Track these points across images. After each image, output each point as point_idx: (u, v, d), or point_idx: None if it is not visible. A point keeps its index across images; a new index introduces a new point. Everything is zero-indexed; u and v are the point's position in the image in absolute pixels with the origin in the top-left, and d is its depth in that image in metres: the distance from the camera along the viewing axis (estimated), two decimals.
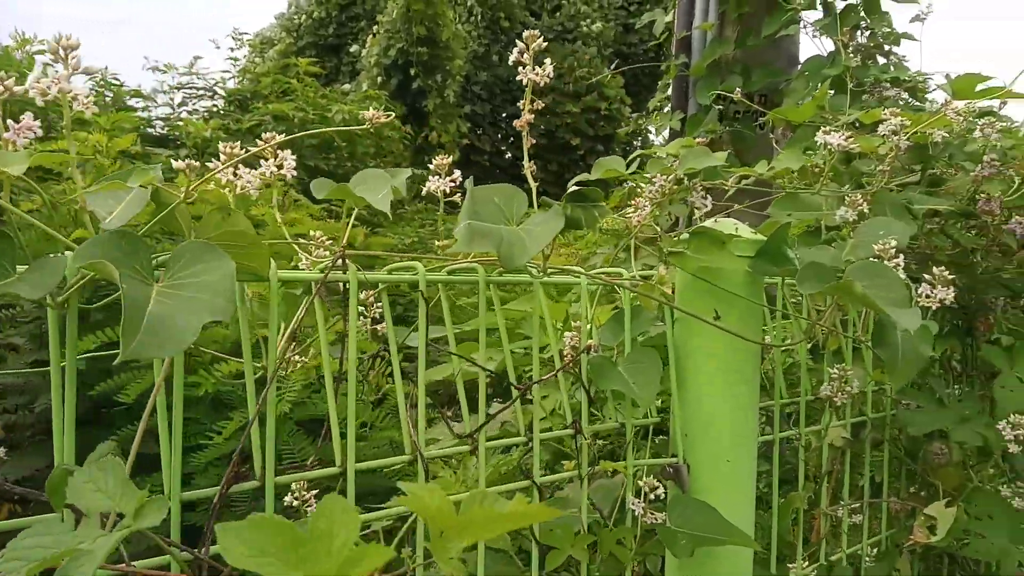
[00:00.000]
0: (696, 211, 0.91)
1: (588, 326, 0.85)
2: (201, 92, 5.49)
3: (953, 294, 0.88)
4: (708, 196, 0.91)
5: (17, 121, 0.50)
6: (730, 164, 1.01)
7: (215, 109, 5.58)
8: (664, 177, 0.86)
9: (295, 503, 0.76)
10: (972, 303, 1.22)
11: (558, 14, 13.40)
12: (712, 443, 0.88)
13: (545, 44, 0.74)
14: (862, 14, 2.28)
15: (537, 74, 0.72)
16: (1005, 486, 1.09)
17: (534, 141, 0.74)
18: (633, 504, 0.80)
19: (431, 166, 0.76)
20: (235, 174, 0.68)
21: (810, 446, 1.08)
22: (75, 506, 0.43)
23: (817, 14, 2.32)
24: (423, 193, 0.72)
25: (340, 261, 0.62)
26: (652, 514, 0.80)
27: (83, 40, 0.52)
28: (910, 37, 2.25)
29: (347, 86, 10.65)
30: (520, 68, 0.72)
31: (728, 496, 0.87)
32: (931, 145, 1.20)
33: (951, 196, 1.18)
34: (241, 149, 0.63)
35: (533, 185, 0.74)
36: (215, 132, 4.47)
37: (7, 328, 1.88)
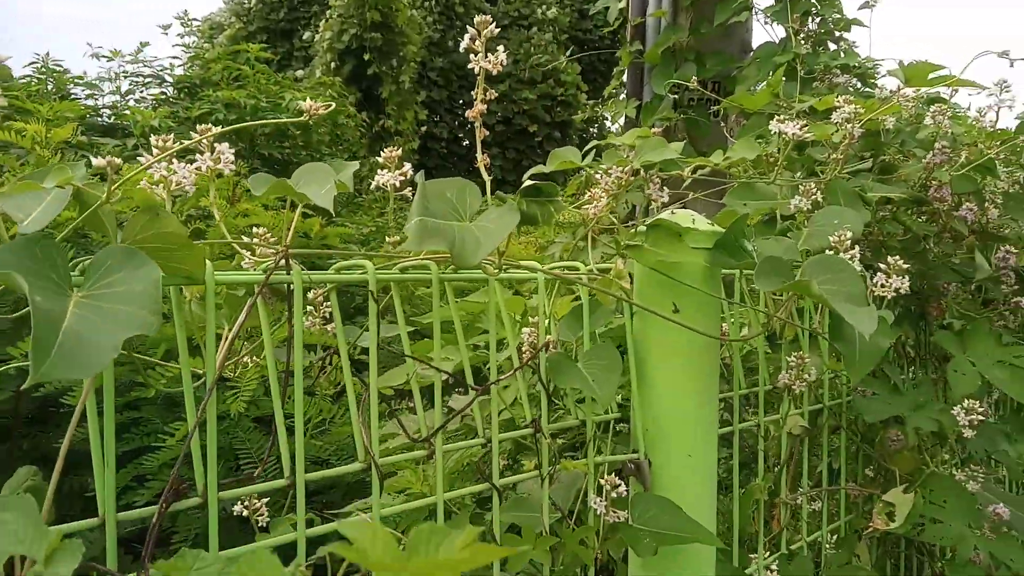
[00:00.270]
0: (654, 203, 0.90)
1: (546, 322, 0.83)
2: (148, 79, 5.32)
3: (907, 283, 0.89)
4: (665, 189, 0.89)
5: None
6: (686, 154, 0.99)
7: (163, 96, 5.41)
8: (620, 169, 0.84)
9: (244, 512, 0.73)
10: (924, 289, 1.23)
11: (513, 0, 13.31)
12: (673, 438, 0.87)
13: (498, 30, 0.71)
14: (813, 1, 2.30)
15: (490, 62, 0.70)
16: (958, 470, 1.11)
17: (487, 133, 0.72)
18: (595, 503, 0.79)
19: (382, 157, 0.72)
20: (169, 169, 0.64)
21: (769, 435, 1.08)
22: None
23: (768, 1, 2.34)
24: (372, 187, 0.69)
25: (283, 262, 0.59)
26: (615, 512, 0.79)
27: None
28: (860, 23, 2.27)
29: (300, 72, 10.45)
30: (472, 56, 0.70)
31: (690, 491, 0.87)
32: (883, 132, 1.21)
33: (903, 183, 1.19)
34: (185, 139, 0.59)
35: (487, 178, 0.72)
36: (163, 120, 4.33)
37: None
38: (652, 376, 0.88)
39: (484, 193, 0.70)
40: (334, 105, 0.61)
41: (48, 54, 4.47)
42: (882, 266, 0.90)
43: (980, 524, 1.04)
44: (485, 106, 0.70)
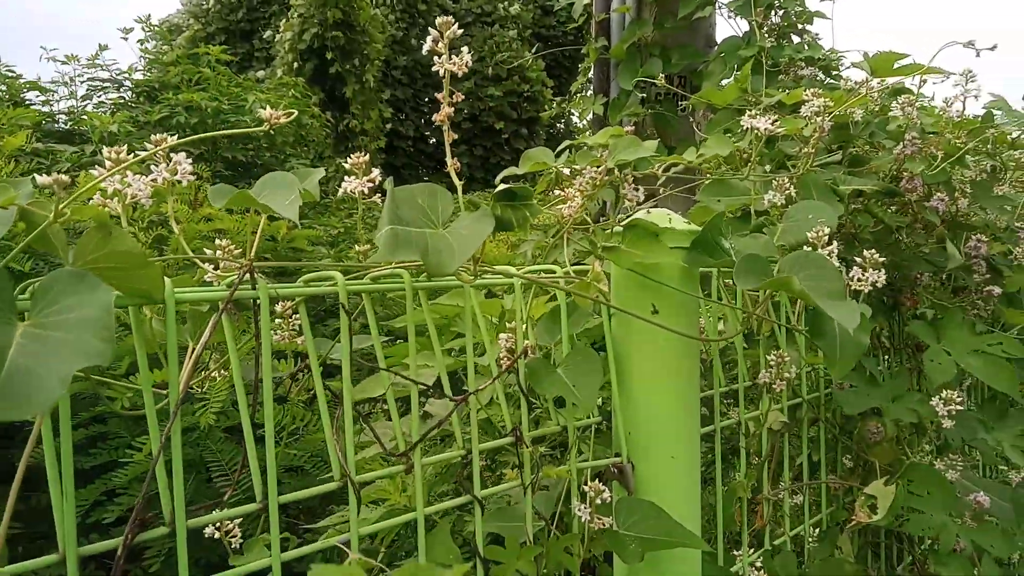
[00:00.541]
0: (628, 202, 0.88)
1: (523, 326, 0.81)
2: (106, 84, 5.19)
3: (884, 277, 0.88)
4: (639, 188, 0.88)
5: None
6: (658, 152, 0.98)
7: (122, 101, 5.28)
8: (594, 169, 0.83)
9: (216, 535, 0.71)
10: (897, 279, 1.24)
11: None
12: (656, 440, 0.86)
13: (460, 31, 0.69)
14: None
15: (455, 64, 0.67)
16: (937, 459, 1.11)
17: (455, 136, 0.69)
18: (579, 510, 0.77)
19: (347, 160, 0.70)
20: (123, 182, 0.61)
21: (749, 432, 1.07)
22: None
23: None
24: (340, 194, 0.67)
25: (248, 276, 0.56)
26: (599, 519, 0.77)
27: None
28: (822, 16, 2.28)
29: (261, 73, 10.30)
30: (436, 58, 0.67)
31: (674, 493, 0.85)
32: (851, 125, 1.21)
33: (874, 175, 1.19)
34: (147, 143, 0.56)
35: (459, 183, 0.69)
36: (122, 125, 4.23)
37: None
38: (632, 378, 0.86)
39: (456, 196, 0.68)
40: (296, 113, 0.58)
41: None
42: (858, 260, 0.90)
43: (960, 513, 1.05)
44: (452, 109, 0.68)
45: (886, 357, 1.36)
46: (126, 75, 5.35)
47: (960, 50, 1.19)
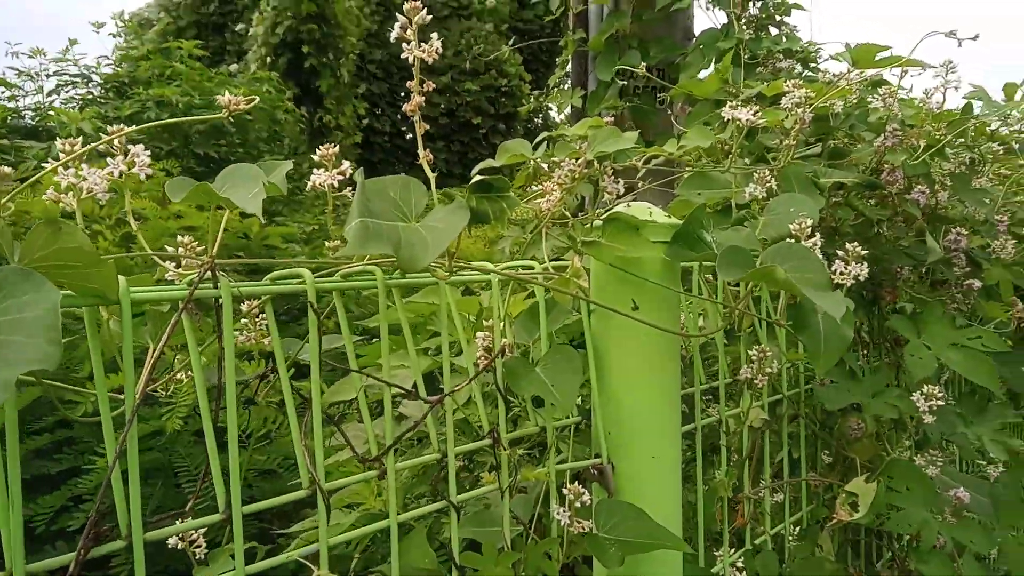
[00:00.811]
0: (607, 195, 0.86)
1: (501, 324, 0.78)
2: (75, 79, 5.08)
3: (867, 270, 0.87)
4: (619, 181, 0.86)
5: None
6: (639, 144, 0.96)
7: (91, 96, 5.17)
8: (573, 161, 0.80)
9: (180, 546, 0.67)
10: (877, 273, 1.23)
11: None
12: (637, 440, 0.84)
13: (430, 17, 0.66)
14: None
15: (424, 51, 0.64)
16: (917, 455, 1.11)
17: (428, 127, 0.66)
18: (558, 513, 0.75)
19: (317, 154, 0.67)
20: (78, 175, 0.58)
21: (730, 430, 1.06)
22: None
23: None
24: (307, 189, 0.64)
25: (209, 273, 0.53)
26: (579, 522, 0.75)
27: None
28: (800, 7, 2.28)
29: (234, 67, 10.15)
30: (405, 45, 0.64)
31: (655, 494, 0.84)
32: (832, 117, 1.20)
33: (854, 167, 1.18)
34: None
35: (431, 175, 0.67)
36: (92, 121, 4.13)
37: None
38: (613, 376, 0.84)
39: (429, 189, 0.65)
40: (257, 99, 0.55)
41: None
42: (840, 253, 0.88)
43: (941, 509, 1.04)
44: (423, 98, 0.65)
45: (865, 352, 1.35)
46: (94, 70, 5.24)
47: (943, 39, 1.18)
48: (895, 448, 1.15)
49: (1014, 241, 1.23)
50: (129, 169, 0.56)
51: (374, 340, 1.17)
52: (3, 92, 4.51)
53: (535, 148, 0.92)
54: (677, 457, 0.88)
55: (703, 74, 2.30)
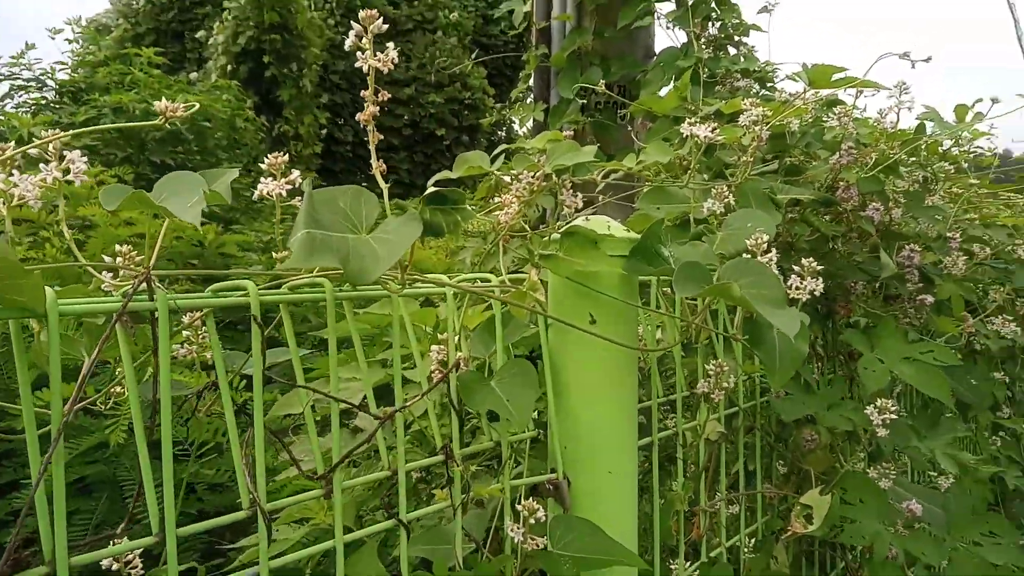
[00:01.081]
0: (566, 209, 0.85)
1: (456, 338, 0.77)
2: (28, 83, 4.95)
3: (822, 285, 0.88)
4: (578, 194, 0.85)
5: None
6: (598, 158, 0.96)
7: (44, 101, 5.04)
8: (531, 174, 0.79)
9: (115, 567, 0.64)
10: (832, 288, 1.24)
11: (416, 3, 13.16)
12: (593, 454, 0.83)
13: (385, 27, 0.65)
14: (713, 6, 2.33)
15: (380, 60, 0.63)
16: (870, 467, 1.12)
17: (381, 137, 0.65)
18: (512, 530, 0.73)
19: (265, 164, 0.65)
20: (7, 182, 0.55)
21: (687, 442, 1.05)
22: None
23: (670, 6, 2.35)
24: (255, 198, 0.62)
25: (145, 285, 0.51)
26: (533, 539, 0.74)
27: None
28: (758, 28, 2.32)
29: (194, 75, 10.00)
30: (359, 54, 0.63)
31: (611, 509, 0.83)
32: (788, 135, 1.21)
33: (810, 184, 1.19)
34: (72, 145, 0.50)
35: (384, 186, 0.65)
36: (43, 127, 4.02)
37: None
38: (570, 390, 0.83)
39: (382, 202, 0.64)
40: (197, 106, 0.53)
41: None
42: (796, 268, 0.89)
43: (893, 521, 1.05)
44: (377, 108, 0.63)
45: (820, 365, 1.36)
46: (48, 75, 5.11)
47: (900, 44, 1.20)
48: (849, 460, 1.16)
49: (965, 257, 1.26)
50: (64, 176, 0.54)
51: (325, 352, 1.14)
52: None
53: (493, 160, 0.91)
54: (634, 471, 0.87)
55: (663, 91, 2.33)
